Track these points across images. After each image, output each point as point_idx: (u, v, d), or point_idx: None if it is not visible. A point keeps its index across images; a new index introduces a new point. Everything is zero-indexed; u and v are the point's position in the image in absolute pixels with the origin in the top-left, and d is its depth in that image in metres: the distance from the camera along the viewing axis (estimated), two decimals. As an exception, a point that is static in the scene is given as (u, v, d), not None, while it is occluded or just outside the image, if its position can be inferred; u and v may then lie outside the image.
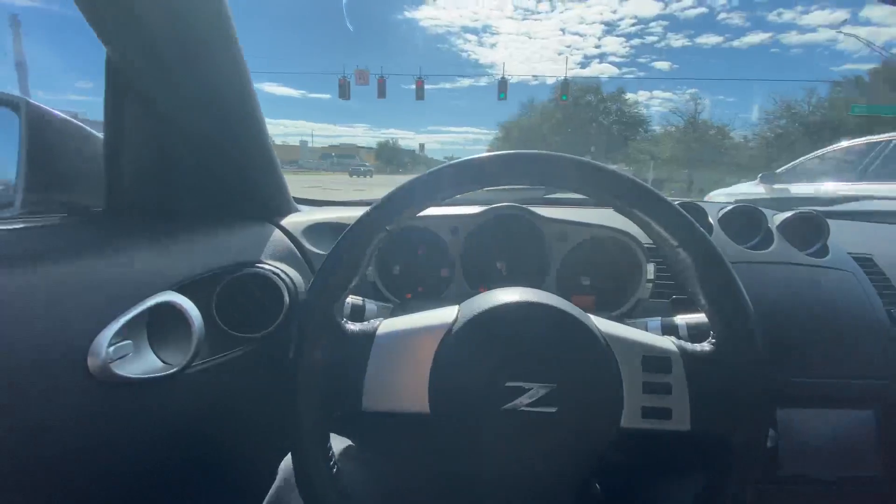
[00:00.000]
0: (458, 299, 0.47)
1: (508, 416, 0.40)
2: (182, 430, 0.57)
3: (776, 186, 4.38)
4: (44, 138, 0.56)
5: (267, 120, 0.72)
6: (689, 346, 0.43)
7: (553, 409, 0.40)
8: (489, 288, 0.47)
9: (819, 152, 4.45)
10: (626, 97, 37.80)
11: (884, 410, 0.73)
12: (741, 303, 0.41)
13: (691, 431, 0.41)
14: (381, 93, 19.58)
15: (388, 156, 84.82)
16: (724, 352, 0.42)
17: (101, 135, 0.63)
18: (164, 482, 0.57)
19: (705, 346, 0.43)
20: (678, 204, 0.68)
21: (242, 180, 0.74)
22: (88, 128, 0.64)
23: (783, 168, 4.63)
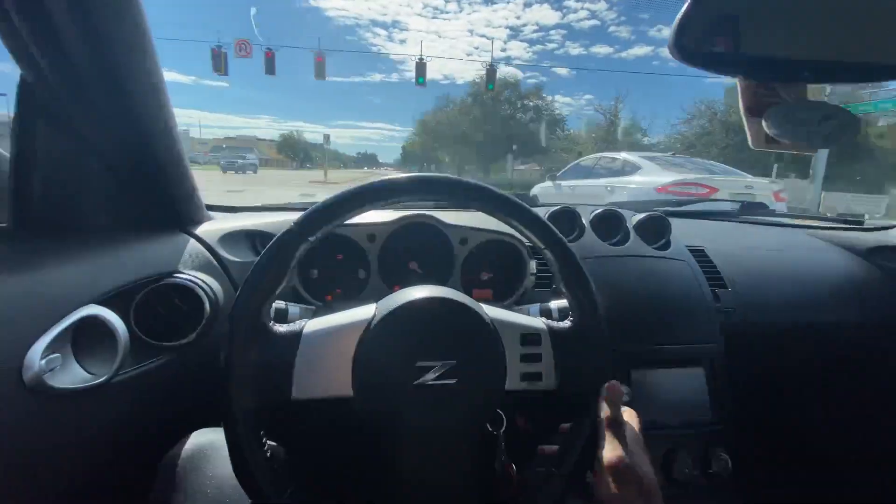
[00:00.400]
0: (375, 298, 0.55)
1: (419, 389, 0.48)
2: (116, 437, 0.59)
3: (556, 182, 7.28)
4: None
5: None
6: (554, 324, 0.56)
7: (454, 381, 0.49)
8: (403, 286, 0.56)
9: (573, 163, 8.15)
10: (544, 95, 36.95)
11: (710, 367, 0.92)
12: (589, 290, 0.54)
13: (557, 388, 0.54)
14: (270, 68, 16.37)
15: (293, 149, 78.22)
16: (579, 327, 0.55)
17: (5, 151, 0.62)
18: (99, 489, 0.59)
19: (566, 323, 0.56)
20: (559, 208, 1.03)
21: (155, 191, 0.74)
22: None
23: (560, 172, 7.82)
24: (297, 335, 0.50)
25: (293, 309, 0.74)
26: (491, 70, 18.25)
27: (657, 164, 5.72)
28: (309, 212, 0.50)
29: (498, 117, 35.02)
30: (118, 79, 0.59)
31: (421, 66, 16.74)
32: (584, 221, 1.04)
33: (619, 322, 0.85)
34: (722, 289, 1.00)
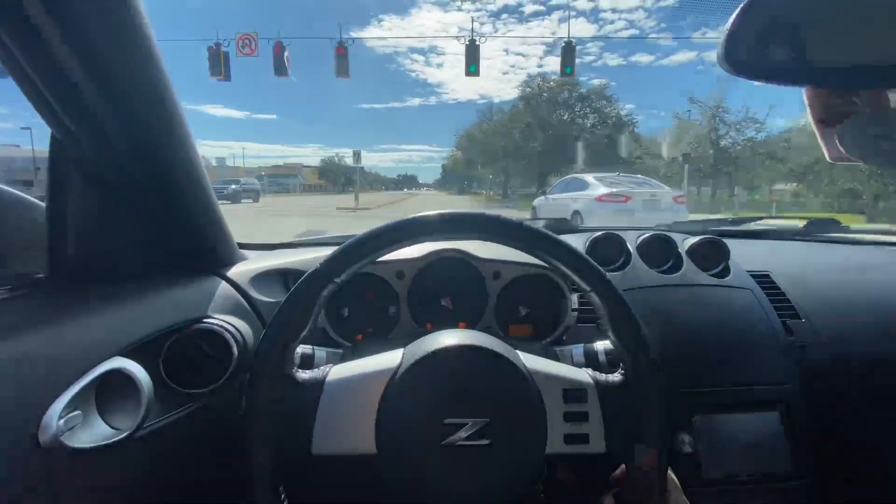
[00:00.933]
0: (406, 337, 0.52)
1: (447, 450, 0.44)
2: (137, 494, 0.57)
3: (546, 196, 9.47)
4: None
5: (209, 142, 0.73)
6: (601, 377, 0.49)
7: (487, 442, 0.44)
8: (435, 324, 0.55)
9: (558, 181, 10.40)
10: (609, 95, 31.87)
11: (787, 412, 0.80)
12: (643, 342, 0.47)
13: (607, 453, 0.47)
14: (280, 69, 12.41)
15: (333, 174, 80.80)
16: (631, 381, 0.48)
17: (40, 202, 0.63)
18: None
19: (616, 376, 0.50)
20: (601, 234, 0.95)
21: (186, 234, 0.74)
22: (31, 198, 0.64)
23: (549, 189, 10.11)
24: (320, 383, 0.47)
25: (320, 353, 0.71)
26: (568, 48, 12.10)
27: (600, 182, 8.30)
28: (335, 252, 0.48)
29: (555, 123, 30.84)
30: (143, 131, 0.60)
31: (472, 51, 11.95)
32: (629, 247, 0.96)
33: (676, 361, 0.76)
34: (794, 319, 0.88)
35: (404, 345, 0.51)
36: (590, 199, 7.84)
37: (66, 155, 0.60)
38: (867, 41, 0.43)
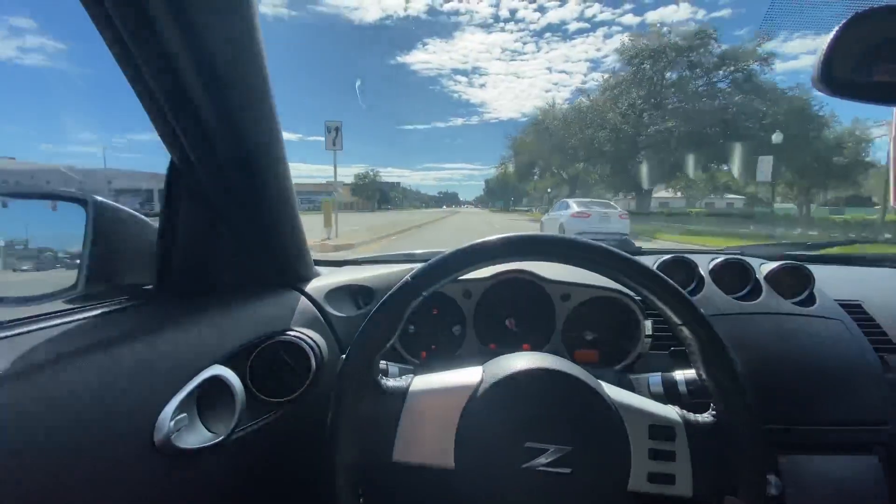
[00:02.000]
0: (471, 356, 0.54)
1: (527, 474, 0.44)
2: (228, 495, 0.60)
3: (547, 216, 13.41)
4: (106, 229, 0.61)
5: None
6: (691, 416, 0.47)
7: (568, 470, 0.43)
8: (499, 344, 0.55)
9: (559, 201, 13.78)
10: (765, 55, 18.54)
11: (886, 455, 0.73)
12: (739, 381, 0.45)
13: (693, 497, 0.45)
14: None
15: (367, 190, 79.29)
16: (724, 424, 0.46)
17: (153, 221, 0.69)
18: None
19: (707, 416, 0.47)
20: (671, 258, 0.93)
21: (274, 253, 0.79)
22: (143, 216, 0.69)
23: (551, 208, 13.87)
24: (404, 392, 0.49)
25: (393, 368, 0.73)
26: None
27: (576, 204, 11.83)
28: (427, 266, 0.49)
29: (659, 102, 19.55)
30: (251, 159, 0.65)
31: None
32: (701, 272, 0.92)
33: (759, 395, 0.71)
34: (892, 354, 0.81)
35: (473, 364, 0.51)
36: (568, 216, 11.17)
37: (181, 180, 0.66)
38: None
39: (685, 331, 0.47)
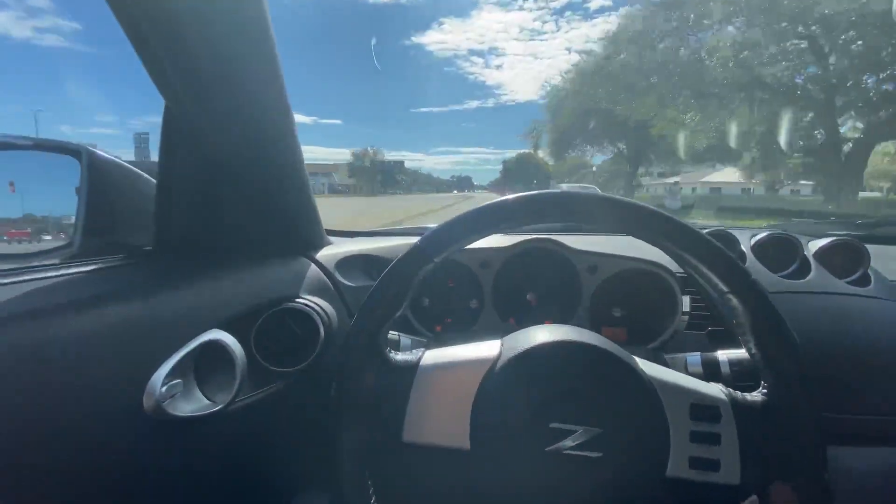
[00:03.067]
0: (488, 331, 0.49)
1: (552, 457, 0.39)
2: (226, 466, 0.57)
3: None
4: (102, 183, 0.58)
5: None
6: (739, 395, 0.42)
7: (598, 454, 0.39)
8: (519, 320, 0.49)
9: None
10: None
11: None
12: (795, 355, 0.40)
13: (741, 485, 0.40)
14: None
15: (367, 171, 74.32)
16: (777, 403, 0.41)
17: (151, 178, 0.65)
18: None
19: (756, 395, 0.42)
20: (710, 230, 0.84)
21: (281, 216, 0.75)
22: (142, 172, 0.65)
23: None
24: (414, 366, 0.45)
25: (405, 340, 0.70)
26: None
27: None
28: (437, 228, 0.45)
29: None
30: (253, 110, 0.61)
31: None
32: (742, 247, 0.85)
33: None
34: None
35: (491, 338, 0.47)
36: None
37: (177, 126, 0.62)
38: None
39: (734, 300, 0.41)
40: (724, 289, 0.41)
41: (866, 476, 0.67)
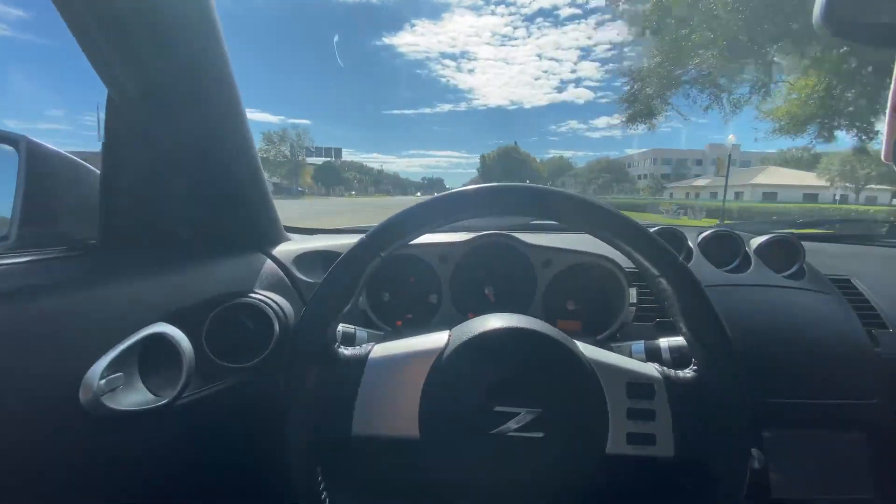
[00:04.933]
0: (447, 325, 0.48)
1: (497, 440, 0.41)
2: (172, 463, 0.56)
3: None
4: (41, 173, 0.57)
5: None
6: (671, 372, 0.44)
7: (540, 434, 0.41)
8: (477, 313, 0.48)
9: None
10: None
11: (873, 431, 0.72)
12: (720, 331, 0.42)
13: (675, 457, 0.42)
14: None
15: (332, 177, 68.86)
16: (706, 378, 0.43)
17: (97, 169, 0.63)
18: None
19: (688, 372, 0.44)
20: (658, 229, 0.87)
21: (235, 211, 0.74)
22: (85, 162, 0.64)
23: None
24: (363, 360, 0.45)
25: (361, 333, 0.69)
26: None
27: None
28: (383, 224, 0.45)
29: None
30: (201, 102, 0.60)
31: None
32: (690, 244, 0.90)
33: (745, 368, 0.70)
34: (880, 329, 0.79)
35: (448, 329, 0.48)
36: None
37: (122, 117, 0.60)
38: None
39: (664, 283, 0.43)
40: (656, 273, 0.43)
41: (801, 456, 0.71)
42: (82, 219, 0.63)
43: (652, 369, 0.45)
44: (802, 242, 0.88)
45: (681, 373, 0.44)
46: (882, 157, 0.42)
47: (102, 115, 0.59)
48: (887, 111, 0.42)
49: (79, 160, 0.63)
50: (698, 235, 0.92)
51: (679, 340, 0.63)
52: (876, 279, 0.89)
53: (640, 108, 14.24)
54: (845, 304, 0.80)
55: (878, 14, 0.38)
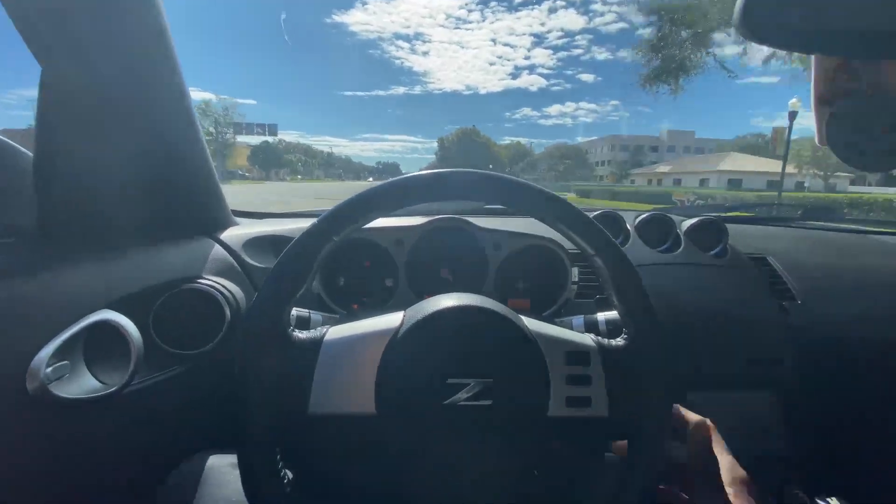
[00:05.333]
0: (403, 307, 0.49)
1: (449, 410, 0.43)
2: (124, 450, 0.56)
3: None
4: None
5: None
6: (605, 341, 0.48)
7: (488, 402, 0.43)
8: (433, 295, 0.50)
9: None
10: None
11: (780, 392, 0.81)
12: (647, 304, 0.46)
13: (609, 417, 0.46)
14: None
15: (271, 159, 64.97)
16: (634, 346, 0.47)
17: (29, 152, 0.60)
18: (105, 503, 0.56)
19: (619, 341, 0.48)
20: (599, 213, 0.96)
21: (180, 195, 0.73)
22: (15, 144, 0.61)
23: None
24: (318, 342, 0.46)
25: (315, 316, 0.70)
26: None
27: None
28: (336, 207, 0.46)
29: None
30: (141, 81, 0.58)
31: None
32: (627, 226, 0.97)
33: (673, 338, 0.77)
34: (790, 301, 0.89)
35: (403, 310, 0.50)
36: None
37: (56, 98, 0.57)
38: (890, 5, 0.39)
39: (598, 261, 0.47)
40: (591, 251, 0.47)
41: (720, 414, 0.78)
42: (16, 205, 0.60)
43: (588, 339, 0.49)
44: (727, 225, 0.97)
45: (613, 342, 0.49)
46: (817, 142, 0.46)
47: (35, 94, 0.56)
48: (811, 100, 0.46)
49: (11, 143, 0.60)
50: (635, 218, 0.99)
51: (614, 314, 0.68)
52: (788, 257, 0.99)
53: (668, 62, 11.51)
54: (761, 279, 0.90)
55: (789, 18, 0.40)
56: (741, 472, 0.46)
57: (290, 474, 0.47)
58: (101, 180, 0.64)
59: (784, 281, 0.92)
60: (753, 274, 0.90)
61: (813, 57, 0.47)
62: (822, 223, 1.30)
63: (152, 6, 0.55)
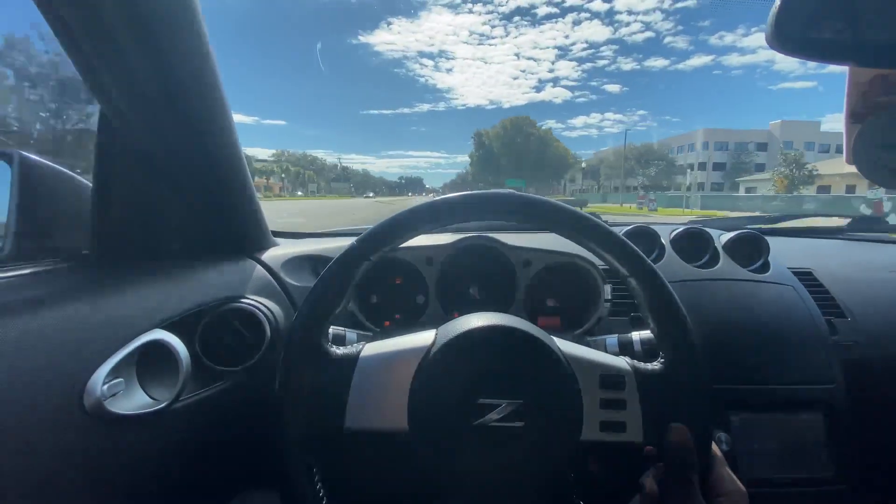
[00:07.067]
0: (433, 324, 0.50)
1: (480, 430, 0.43)
2: (173, 463, 0.58)
3: None
4: (34, 187, 0.58)
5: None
6: (640, 365, 0.47)
7: (520, 424, 0.43)
8: (462, 312, 0.50)
9: None
10: None
11: (830, 413, 0.76)
12: (685, 327, 0.45)
13: (644, 442, 0.45)
14: None
15: (285, 172, 68.44)
16: (671, 370, 0.46)
17: (88, 182, 0.64)
18: None
19: (655, 365, 0.47)
20: (635, 227, 0.95)
21: (224, 218, 0.76)
22: (78, 176, 0.65)
23: None
24: (354, 359, 0.47)
25: (350, 335, 0.71)
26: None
27: None
28: (372, 229, 0.48)
29: None
30: (190, 113, 0.61)
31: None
32: (663, 241, 0.94)
33: (714, 357, 0.74)
34: (839, 318, 0.84)
35: (435, 328, 0.50)
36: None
37: (114, 133, 0.62)
38: None
39: (633, 282, 0.47)
40: (626, 273, 0.47)
41: (765, 437, 0.75)
42: (75, 230, 0.64)
43: (623, 362, 0.48)
44: (767, 238, 0.93)
45: (649, 365, 0.48)
46: (845, 160, 0.45)
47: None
48: (843, 118, 0.45)
49: (70, 173, 0.64)
50: (671, 233, 0.96)
51: (649, 334, 0.64)
52: (836, 270, 0.94)
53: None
54: (807, 294, 0.85)
55: (822, 31, 0.41)
56: None
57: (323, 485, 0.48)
58: (152, 207, 0.68)
59: (832, 296, 0.88)
60: (798, 289, 0.86)
61: (847, 71, 0.46)
62: (872, 233, 1.23)
63: (200, 39, 0.58)
